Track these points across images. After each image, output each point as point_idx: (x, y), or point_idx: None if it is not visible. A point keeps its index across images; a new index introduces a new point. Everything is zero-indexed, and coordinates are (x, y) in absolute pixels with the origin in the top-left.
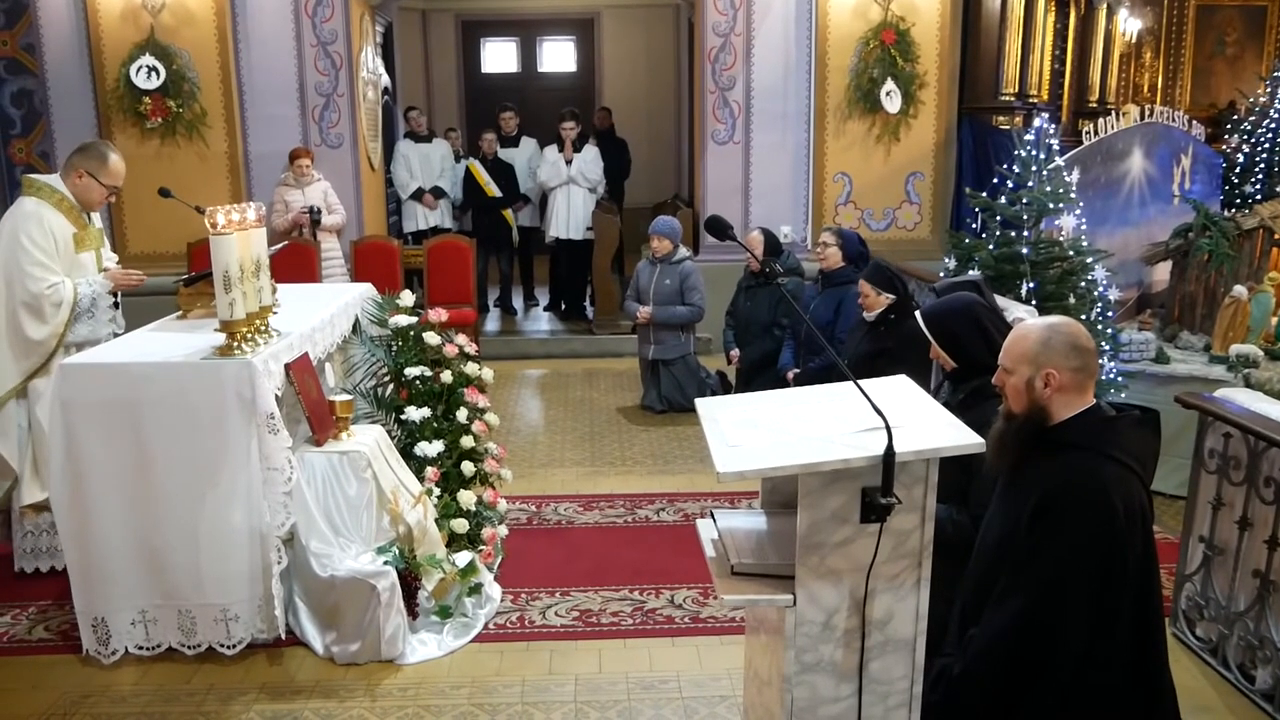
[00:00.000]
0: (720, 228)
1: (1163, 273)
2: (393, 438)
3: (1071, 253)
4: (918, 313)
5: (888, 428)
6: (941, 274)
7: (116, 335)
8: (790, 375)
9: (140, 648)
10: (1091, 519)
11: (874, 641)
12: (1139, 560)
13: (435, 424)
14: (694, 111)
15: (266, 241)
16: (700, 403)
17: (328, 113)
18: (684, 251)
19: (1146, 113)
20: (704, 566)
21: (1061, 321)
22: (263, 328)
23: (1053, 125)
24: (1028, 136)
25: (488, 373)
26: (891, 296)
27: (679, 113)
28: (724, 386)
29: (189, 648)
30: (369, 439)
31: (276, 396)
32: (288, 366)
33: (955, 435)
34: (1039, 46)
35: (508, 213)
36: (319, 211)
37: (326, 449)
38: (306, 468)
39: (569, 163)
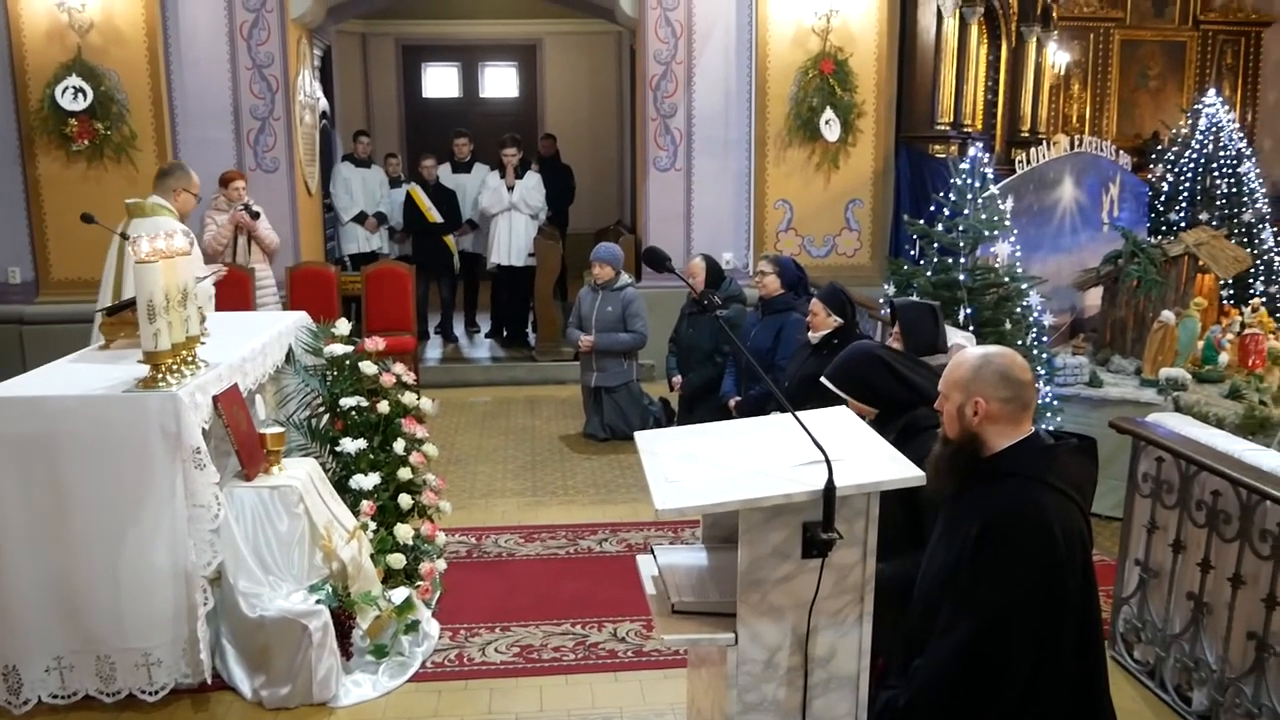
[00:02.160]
0: (658, 260)
1: (1094, 298)
2: (327, 471)
3: (1007, 279)
4: (822, 377)
5: (827, 462)
6: (880, 300)
7: None
8: (732, 403)
9: (55, 696)
10: (1033, 547)
11: (817, 679)
12: (1080, 587)
13: (371, 456)
14: (635, 138)
15: (202, 264)
16: (640, 436)
17: (263, 136)
18: (626, 278)
19: (1076, 142)
20: (647, 598)
21: (998, 352)
22: (190, 359)
23: (987, 154)
24: (963, 165)
25: (426, 402)
26: (839, 320)
27: (621, 139)
28: (667, 413)
29: (108, 695)
30: (301, 472)
31: (204, 430)
32: (216, 399)
33: (896, 468)
34: (973, 77)
35: (449, 238)
36: (256, 209)
37: (256, 484)
38: (235, 504)
39: (511, 189)
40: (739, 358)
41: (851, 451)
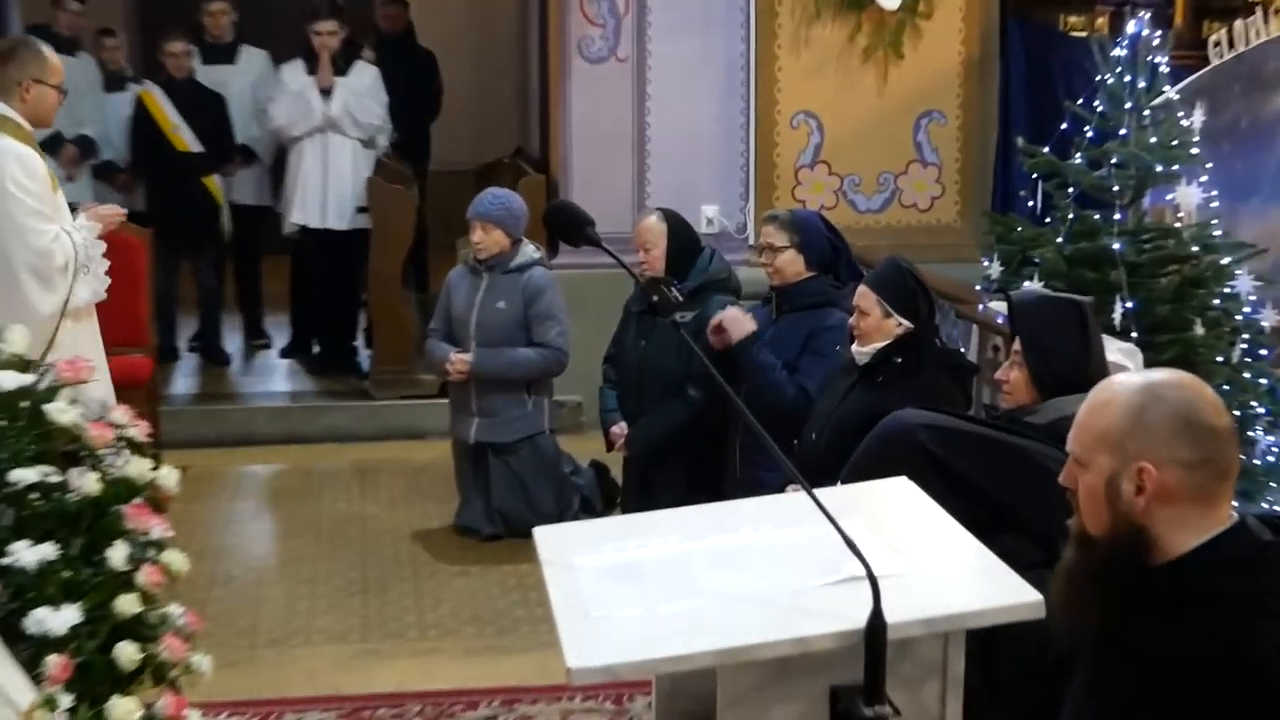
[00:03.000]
0: (571, 223)
1: None
2: None
3: (1196, 248)
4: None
5: (871, 579)
6: (979, 286)
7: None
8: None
9: None
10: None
11: None
12: None
13: (66, 573)
14: (546, 10)
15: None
16: (546, 535)
17: None
18: (531, 251)
19: None
20: None
21: (1174, 382)
22: None
23: (1159, 31)
24: (1118, 51)
25: (171, 473)
26: (905, 324)
27: (523, 12)
28: (601, 489)
29: None
30: None
31: None
32: None
33: (993, 588)
34: None
35: (213, 181)
36: None
37: None
38: None
39: (326, 92)
40: (730, 403)
41: (915, 556)
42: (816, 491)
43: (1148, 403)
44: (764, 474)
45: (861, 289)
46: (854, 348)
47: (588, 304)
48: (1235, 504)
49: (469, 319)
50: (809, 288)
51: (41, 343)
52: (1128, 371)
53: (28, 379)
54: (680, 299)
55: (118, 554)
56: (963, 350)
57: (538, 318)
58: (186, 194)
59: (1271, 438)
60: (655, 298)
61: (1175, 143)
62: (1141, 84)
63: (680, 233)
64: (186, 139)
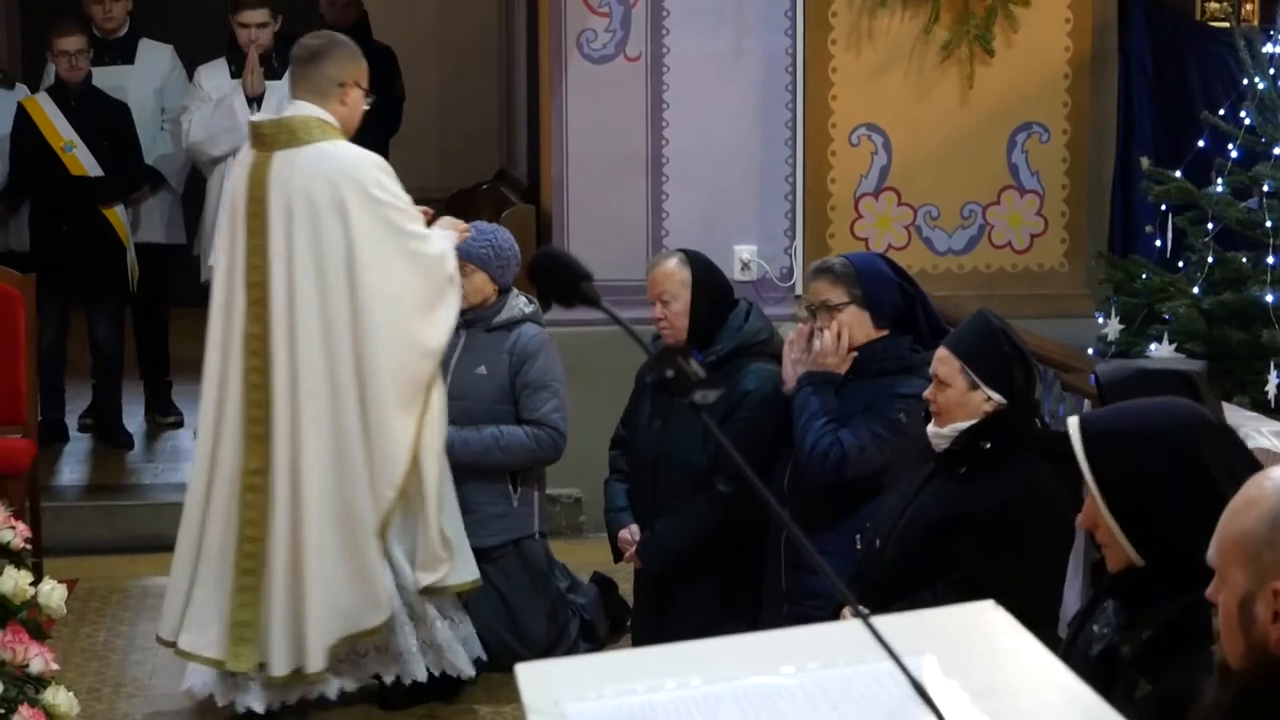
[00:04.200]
0: (561, 277)
1: None
2: None
3: None
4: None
5: None
6: (1092, 350)
7: None
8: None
9: None
10: None
11: None
12: None
13: None
14: (537, 2)
15: None
16: (528, 672)
17: None
18: (521, 303)
19: None
20: None
21: None
22: None
23: None
24: (1270, 48)
25: (54, 591)
26: (999, 399)
27: (507, 5)
28: (607, 611)
29: None
30: None
31: None
32: None
33: None
34: None
35: (115, 214)
36: None
37: None
38: None
39: (256, 100)
40: (763, 500)
41: (1004, 708)
42: (881, 619)
43: None
44: (818, 583)
45: (941, 353)
46: (930, 428)
47: (591, 372)
48: None
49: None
50: (882, 350)
51: (429, 373)
52: None
53: None
54: (702, 374)
55: None
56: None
57: (529, 389)
58: (82, 229)
59: None
60: (670, 372)
61: None
62: None
63: (708, 281)
64: (82, 160)
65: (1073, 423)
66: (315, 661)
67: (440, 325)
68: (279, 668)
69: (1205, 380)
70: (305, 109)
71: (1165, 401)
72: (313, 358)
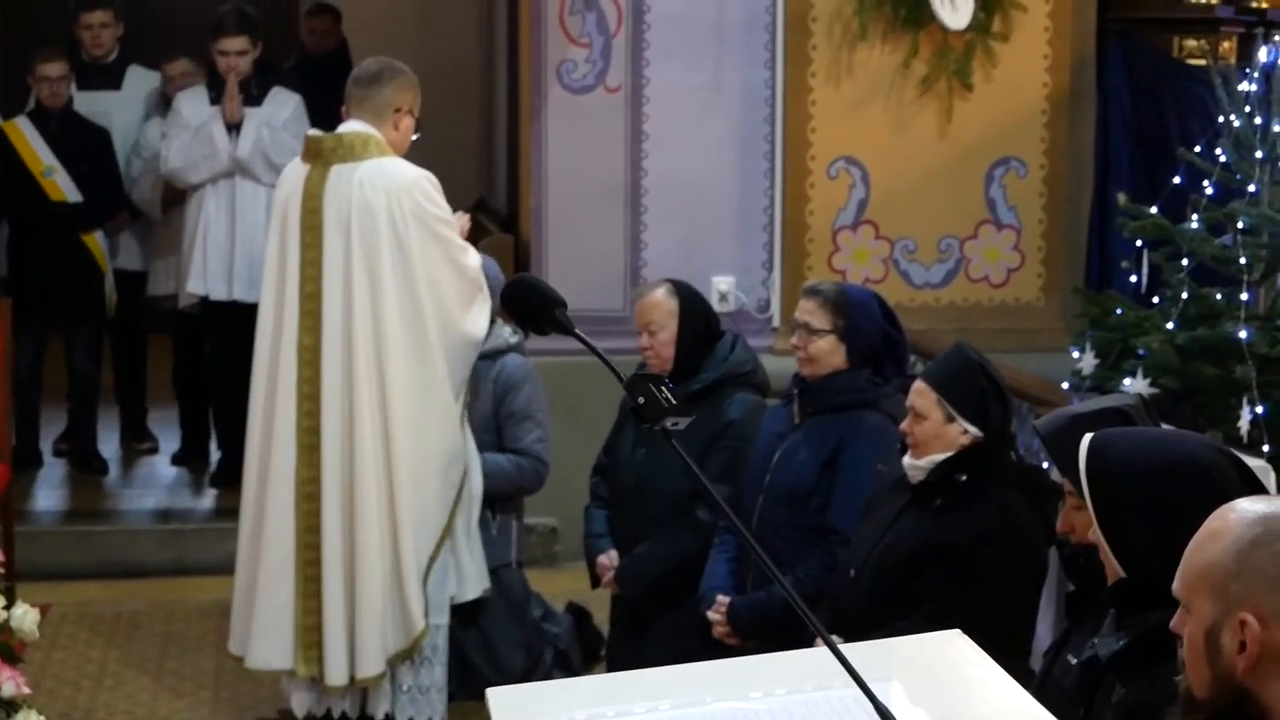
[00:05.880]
0: (537, 305)
1: None
2: None
3: None
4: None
5: None
6: (1067, 385)
7: None
8: (715, 612)
9: None
10: None
11: None
12: None
13: None
14: (517, 26)
15: None
16: (499, 696)
17: None
18: (506, 334)
19: None
20: None
21: None
22: None
23: None
24: (1246, 86)
25: (29, 613)
26: (975, 431)
27: (488, 29)
28: (581, 641)
29: None
30: None
31: None
32: None
33: None
34: None
35: (94, 240)
36: None
37: None
38: None
39: (234, 128)
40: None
41: None
42: (849, 646)
43: (1260, 538)
44: None
45: (919, 385)
46: (906, 460)
47: (569, 403)
48: None
49: None
50: (839, 384)
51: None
52: (1259, 497)
53: None
54: (672, 401)
55: None
56: (1045, 466)
57: (512, 418)
58: (61, 255)
59: None
60: (641, 399)
61: None
62: (1277, 127)
63: (695, 312)
64: (62, 185)
65: (1084, 441)
66: (370, 666)
67: (480, 317)
68: (336, 677)
69: (1142, 413)
70: (360, 128)
71: (1176, 435)
72: (367, 368)
